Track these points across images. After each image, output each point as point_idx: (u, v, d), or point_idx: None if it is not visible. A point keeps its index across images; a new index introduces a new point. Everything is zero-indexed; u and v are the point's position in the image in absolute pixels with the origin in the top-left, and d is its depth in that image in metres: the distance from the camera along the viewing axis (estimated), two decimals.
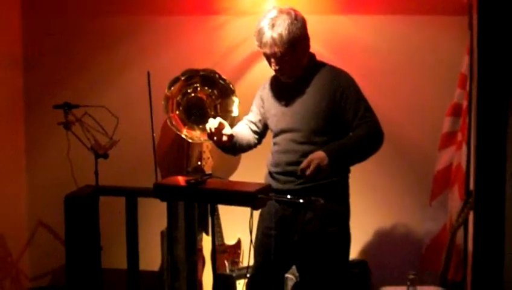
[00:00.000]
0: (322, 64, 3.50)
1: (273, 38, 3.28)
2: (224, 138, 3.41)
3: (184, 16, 4.80)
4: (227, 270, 4.60)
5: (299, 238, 3.42)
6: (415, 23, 4.49)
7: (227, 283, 4.46)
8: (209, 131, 3.38)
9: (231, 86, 4.57)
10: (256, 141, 3.72)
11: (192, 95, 4.61)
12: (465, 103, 4.04)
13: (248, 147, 3.69)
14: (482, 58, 2.22)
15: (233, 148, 3.56)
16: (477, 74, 2.26)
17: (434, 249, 4.22)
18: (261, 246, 3.54)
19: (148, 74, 4.01)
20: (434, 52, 4.46)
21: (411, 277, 3.23)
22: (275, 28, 3.28)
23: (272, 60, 3.38)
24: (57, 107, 4.13)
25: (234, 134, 3.48)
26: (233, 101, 4.56)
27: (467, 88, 4.01)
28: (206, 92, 4.62)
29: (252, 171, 4.12)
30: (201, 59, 4.71)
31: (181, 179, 3.19)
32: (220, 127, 3.38)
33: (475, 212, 2.42)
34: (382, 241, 4.66)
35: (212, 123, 3.36)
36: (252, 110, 3.74)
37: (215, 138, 3.41)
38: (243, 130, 3.67)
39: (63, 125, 4.08)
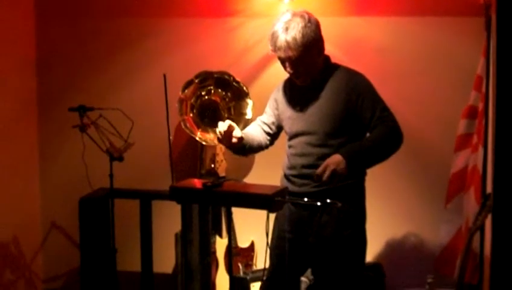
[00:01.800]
0: (337, 66, 3.48)
1: (287, 42, 3.26)
2: (234, 140, 3.40)
3: (198, 18, 4.80)
4: (241, 273, 4.59)
5: (315, 241, 3.41)
6: (429, 25, 4.48)
7: (242, 286, 4.45)
8: (219, 135, 3.37)
9: (245, 88, 4.57)
10: (268, 143, 3.71)
11: (206, 97, 4.62)
12: (480, 105, 4.01)
13: (259, 148, 3.68)
14: (501, 59, 2.19)
15: (243, 149, 3.55)
16: (496, 75, 2.23)
17: (449, 252, 4.19)
18: (277, 249, 3.53)
19: (165, 76, 4.00)
20: (449, 54, 4.45)
21: (430, 280, 3.21)
22: (288, 32, 3.26)
23: (287, 63, 3.36)
24: (72, 109, 4.13)
25: (244, 136, 3.47)
26: (247, 104, 4.56)
27: (483, 90, 3.98)
28: (220, 95, 4.62)
29: (266, 173, 4.12)
30: (215, 61, 4.71)
31: (197, 182, 3.18)
32: (230, 129, 3.36)
33: (493, 215, 2.39)
34: (397, 244, 4.64)
35: (221, 126, 3.35)
36: (265, 111, 3.73)
37: (224, 141, 3.40)
38: (255, 131, 3.66)
39: (78, 128, 4.07)
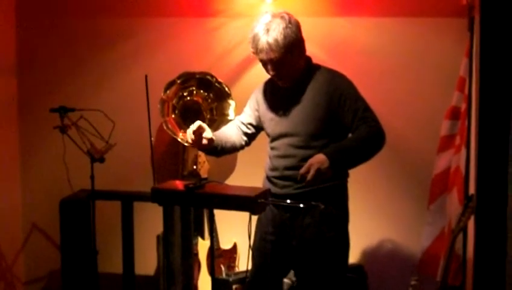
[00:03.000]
0: (318, 67, 3.46)
1: (269, 44, 3.23)
2: (204, 142, 3.35)
3: (180, 18, 4.77)
4: (224, 275, 4.56)
5: (298, 243, 3.39)
6: (412, 25, 4.47)
7: (224, 288, 4.43)
8: (189, 137, 3.33)
9: (227, 89, 4.54)
10: (243, 143, 3.66)
11: (188, 98, 4.59)
12: (463, 106, 4.01)
13: (233, 149, 3.63)
14: (484, 59, 2.19)
15: (215, 151, 3.51)
16: (479, 76, 2.23)
17: (432, 254, 4.18)
18: (259, 251, 3.51)
19: (146, 77, 3.97)
20: (432, 55, 4.45)
21: (413, 282, 3.20)
22: (269, 33, 3.23)
23: (269, 65, 3.33)
24: (53, 110, 4.11)
25: (217, 137, 3.43)
26: (229, 104, 4.54)
27: (466, 91, 3.98)
28: (202, 96, 4.59)
29: (248, 175, 4.11)
30: (197, 62, 4.68)
31: (179, 184, 3.16)
32: (200, 130, 3.32)
33: (476, 217, 2.39)
34: (379, 245, 4.63)
35: (191, 128, 3.31)
36: (245, 111, 3.69)
37: (194, 142, 3.36)
38: (230, 132, 3.62)
39: (59, 129, 4.06)
